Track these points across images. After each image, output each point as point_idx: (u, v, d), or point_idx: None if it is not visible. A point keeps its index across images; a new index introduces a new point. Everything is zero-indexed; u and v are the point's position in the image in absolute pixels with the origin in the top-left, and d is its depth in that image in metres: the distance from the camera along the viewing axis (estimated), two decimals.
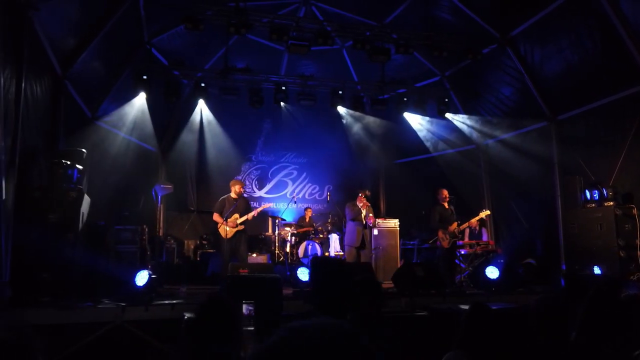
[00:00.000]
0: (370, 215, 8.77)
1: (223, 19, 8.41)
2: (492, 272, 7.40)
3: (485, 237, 10.19)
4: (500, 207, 10.83)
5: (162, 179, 11.60)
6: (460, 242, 9.15)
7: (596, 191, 8.36)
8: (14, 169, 5.54)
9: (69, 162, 6.46)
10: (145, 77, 9.48)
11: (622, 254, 7.62)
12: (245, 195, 9.51)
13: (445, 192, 8.69)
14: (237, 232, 8.20)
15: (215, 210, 8.38)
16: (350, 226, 8.67)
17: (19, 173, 5.67)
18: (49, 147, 6.97)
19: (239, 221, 8.18)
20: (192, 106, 11.47)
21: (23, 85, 5.78)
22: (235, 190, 8.43)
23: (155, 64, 10.06)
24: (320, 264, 2.24)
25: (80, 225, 6.46)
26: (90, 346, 5.26)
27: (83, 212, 6.55)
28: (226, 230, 8.12)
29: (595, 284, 2.76)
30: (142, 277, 6.06)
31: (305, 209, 11.76)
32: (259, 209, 8.75)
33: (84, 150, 7.11)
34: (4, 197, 5.14)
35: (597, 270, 7.69)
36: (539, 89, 9.26)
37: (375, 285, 2.96)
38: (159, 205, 11.18)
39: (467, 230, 10.09)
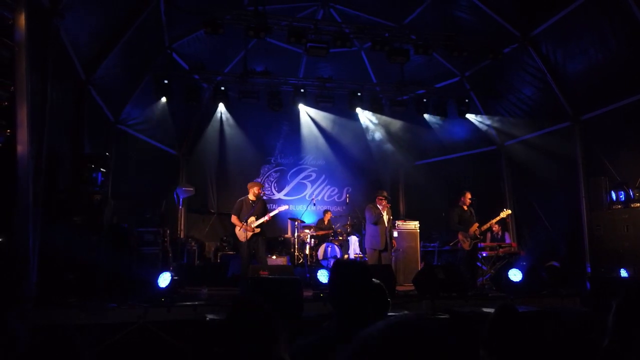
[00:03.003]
0: (390, 217, 8.69)
1: (242, 23, 8.49)
2: (515, 275, 7.28)
3: (508, 240, 10.05)
4: (523, 208, 10.67)
5: (183, 182, 11.75)
6: (482, 244, 9.02)
7: (622, 192, 8.19)
8: (41, 172, 5.67)
9: (93, 166, 6.59)
10: (166, 81, 9.66)
11: None
12: (265, 197, 9.50)
13: (469, 195, 8.58)
14: (254, 235, 8.10)
15: (233, 212, 8.33)
16: (372, 229, 8.56)
17: (46, 176, 5.80)
18: (74, 151, 7.12)
19: (254, 224, 8.10)
20: (212, 109, 11.62)
21: (49, 90, 5.91)
22: (253, 192, 8.33)
23: (176, 69, 10.21)
24: (340, 267, 2.22)
25: (104, 227, 6.58)
26: (114, 347, 5.34)
27: (107, 215, 6.67)
28: (243, 233, 8.07)
29: (625, 288, 2.68)
30: (164, 279, 6.13)
31: (324, 211, 11.71)
32: (274, 212, 8.67)
33: (107, 153, 7.24)
34: (31, 199, 5.26)
35: (624, 273, 7.51)
36: (561, 88, 9.10)
37: (381, 290, 2.74)
38: (180, 207, 11.32)
39: (489, 234, 9.96)
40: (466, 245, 8.38)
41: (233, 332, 2.08)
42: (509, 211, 8.87)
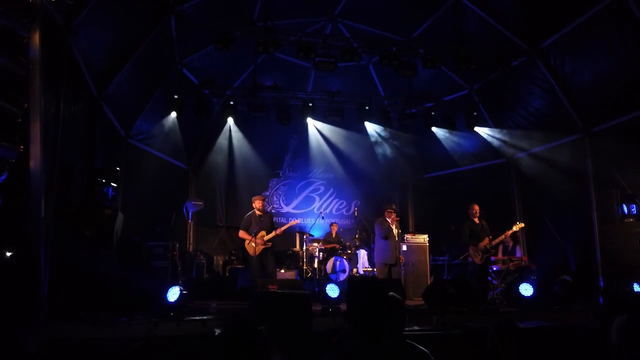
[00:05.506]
0: (399, 231, 8.67)
1: (252, 39, 8.59)
2: (526, 289, 7.20)
3: (519, 254, 9.94)
4: (533, 222, 10.55)
5: (193, 195, 11.81)
6: (493, 257, 8.93)
7: (634, 205, 8.10)
8: (53, 187, 5.73)
9: (104, 180, 6.65)
10: (176, 96, 9.76)
11: None
12: (273, 211, 9.51)
13: (476, 207, 8.52)
14: (264, 249, 8.09)
15: (241, 228, 8.28)
16: (382, 243, 8.52)
17: (58, 191, 5.86)
18: (86, 165, 7.21)
19: (266, 238, 8.11)
20: (222, 123, 11.72)
21: (62, 106, 6.01)
22: (256, 206, 8.27)
23: (186, 84, 10.32)
24: (357, 284, 2.21)
25: (115, 241, 6.61)
26: None
27: (117, 229, 6.71)
28: (254, 247, 8.05)
29: (632, 307, 2.63)
30: (173, 293, 6.12)
31: (331, 224, 11.71)
32: (285, 227, 8.64)
33: (118, 168, 7.31)
34: (43, 214, 5.31)
35: (637, 287, 7.39)
36: (571, 100, 9.06)
37: (399, 305, 2.66)
38: (189, 221, 11.36)
39: (501, 247, 9.86)
40: (477, 259, 8.30)
41: (227, 349, 2.07)
42: (522, 224, 8.75)
